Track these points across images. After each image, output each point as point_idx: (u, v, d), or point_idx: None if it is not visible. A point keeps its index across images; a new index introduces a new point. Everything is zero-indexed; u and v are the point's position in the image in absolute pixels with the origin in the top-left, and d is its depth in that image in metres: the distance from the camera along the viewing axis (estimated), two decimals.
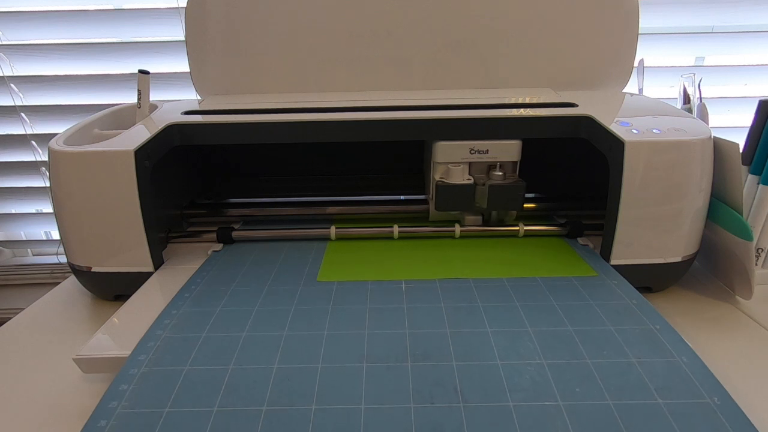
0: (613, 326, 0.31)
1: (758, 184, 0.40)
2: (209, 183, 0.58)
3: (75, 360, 0.30)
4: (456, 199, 0.44)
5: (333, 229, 0.46)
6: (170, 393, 0.26)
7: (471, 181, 0.44)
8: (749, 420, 0.23)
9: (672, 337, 0.29)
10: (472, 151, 0.43)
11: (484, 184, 0.43)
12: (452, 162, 0.43)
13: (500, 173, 0.44)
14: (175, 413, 0.25)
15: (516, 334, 0.30)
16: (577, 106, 0.43)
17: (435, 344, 0.29)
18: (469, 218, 0.46)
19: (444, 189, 0.43)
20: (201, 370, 0.28)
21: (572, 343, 0.29)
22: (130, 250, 0.39)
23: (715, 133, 0.37)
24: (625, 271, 0.38)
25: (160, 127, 0.41)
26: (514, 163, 0.44)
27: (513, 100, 0.47)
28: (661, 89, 0.74)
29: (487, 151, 0.43)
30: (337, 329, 0.31)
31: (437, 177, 0.44)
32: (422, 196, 0.50)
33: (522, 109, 0.43)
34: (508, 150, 0.43)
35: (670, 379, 0.26)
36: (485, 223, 0.46)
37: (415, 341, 0.30)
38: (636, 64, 0.54)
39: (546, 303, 0.34)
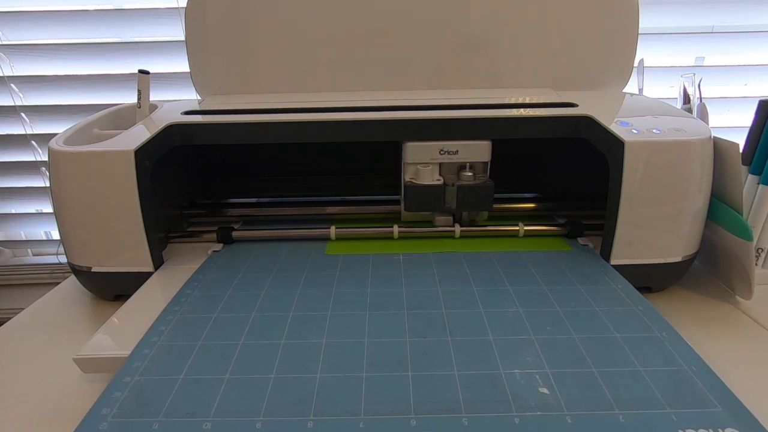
0: (581, 286, 0.36)
1: (758, 184, 0.40)
2: (209, 183, 0.58)
3: (75, 360, 0.30)
4: (425, 199, 0.44)
5: (333, 229, 0.46)
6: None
7: (441, 182, 0.43)
8: (691, 347, 0.29)
9: (630, 292, 0.35)
10: (442, 152, 0.43)
11: (453, 185, 0.43)
12: (421, 162, 0.43)
13: (470, 174, 0.43)
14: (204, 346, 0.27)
15: (497, 292, 0.35)
16: (577, 106, 0.43)
17: (428, 298, 0.35)
18: (440, 219, 0.46)
19: (413, 190, 0.43)
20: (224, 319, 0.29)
21: (545, 298, 0.34)
22: (130, 250, 0.39)
23: (715, 133, 0.37)
24: (625, 271, 0.38)
25: (160, 127, 0.41)
26: (485, 163, 0.44)
27: (512, 100, 0.47)
28: (661, 89, 0.73)
29: (457, 151, 0.43)
30: (343, 288, 0.36)
31: (407, 178, 0.44)
32: None
33: (521, 109, 0.43)
34: (478, 151, 0.43)
35: (626, 320, 0.32)
36: (463, 223, 0.46)
37: (410, 296, 0.35)
38: (636, 64, 0.54)
39: (524, 269, 0.39)
